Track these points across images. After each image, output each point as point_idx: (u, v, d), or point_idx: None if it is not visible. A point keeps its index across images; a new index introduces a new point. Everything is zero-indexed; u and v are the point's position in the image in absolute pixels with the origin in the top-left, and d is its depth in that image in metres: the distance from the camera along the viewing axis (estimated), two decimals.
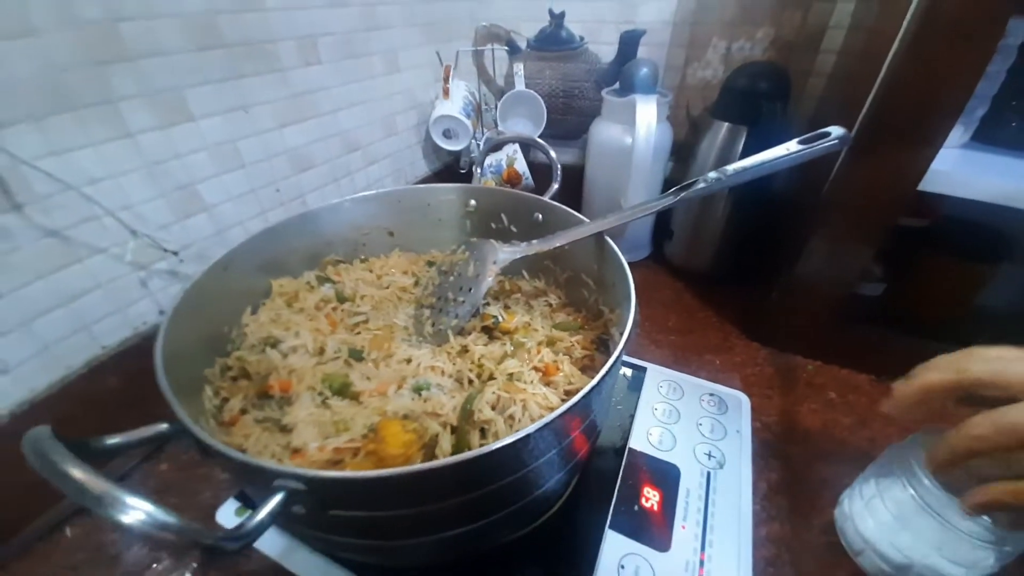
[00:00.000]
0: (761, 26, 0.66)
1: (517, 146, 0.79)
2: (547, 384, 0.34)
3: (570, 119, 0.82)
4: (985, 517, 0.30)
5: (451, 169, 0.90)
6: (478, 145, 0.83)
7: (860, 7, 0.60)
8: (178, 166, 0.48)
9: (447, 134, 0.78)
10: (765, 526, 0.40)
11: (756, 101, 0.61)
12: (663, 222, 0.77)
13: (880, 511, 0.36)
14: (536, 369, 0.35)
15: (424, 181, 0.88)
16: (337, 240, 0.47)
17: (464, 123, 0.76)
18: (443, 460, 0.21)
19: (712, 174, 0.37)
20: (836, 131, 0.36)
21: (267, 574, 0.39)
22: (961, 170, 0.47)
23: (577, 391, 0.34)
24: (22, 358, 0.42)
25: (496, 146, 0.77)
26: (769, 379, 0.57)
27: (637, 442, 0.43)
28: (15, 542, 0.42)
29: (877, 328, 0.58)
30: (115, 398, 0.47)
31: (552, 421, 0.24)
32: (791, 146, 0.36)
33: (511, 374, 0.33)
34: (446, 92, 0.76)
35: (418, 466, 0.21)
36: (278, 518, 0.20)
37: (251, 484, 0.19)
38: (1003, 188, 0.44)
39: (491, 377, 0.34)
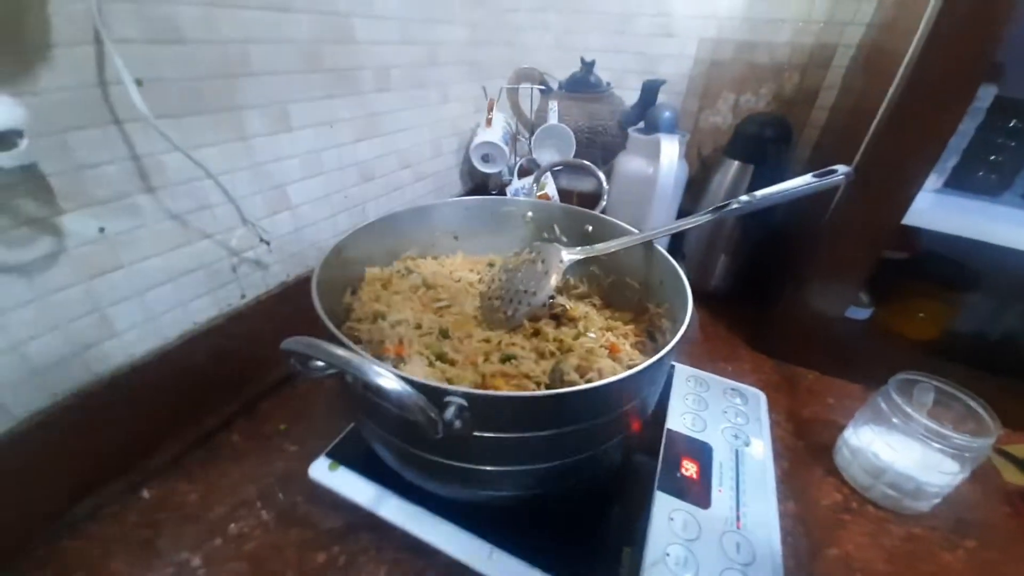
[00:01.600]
0: (765, 83, 0.78)
1: (549, 172, 0.88)
2: (613, 360, 0.41)
3: (593, 152, 0.92)
4: (953, 433, 0.42)
5: (481, 190, 0.98)
6: (510, 170, 0.92)
7: (849, 74, 0.72)
8: (276, 168, 0.55)
9: (486, 158, 0.87)
10: (786, 491, 0.47)
11: (763, 144, 0.71)
12: (676, 245, 0.86)
13: (872, 440, 0.47)
14: (603, 347, 0.41)
15: None
16: (414, 239, 0.54)
17: (503, 149, 0.85)
18: (571, 388, 0.28)
19: (744, 197, 0.46)
20: (842, 168, 0.45)
21: (345, 528, 0.43)
22: (935, 209, 0.57)
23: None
24: (128, 325, 0.46)
25: (530, 169, 0.86)
26: (776, 385, 0.65)
27: (673, 424, 0.50)
28: (88, 502, 0.44)
29: (867, 344, 0.67)
30: (203, 371, 0.52)
31: (630, 376, 0.30)
32: (807, 178, 0.45)
33: (588, 348, 0.40)
34: (489, 122, 0.85)
35: (556, 390, 0.27)
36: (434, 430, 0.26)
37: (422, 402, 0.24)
38: (968, 224, 0.55)
39: (569, 350, 0.40)
